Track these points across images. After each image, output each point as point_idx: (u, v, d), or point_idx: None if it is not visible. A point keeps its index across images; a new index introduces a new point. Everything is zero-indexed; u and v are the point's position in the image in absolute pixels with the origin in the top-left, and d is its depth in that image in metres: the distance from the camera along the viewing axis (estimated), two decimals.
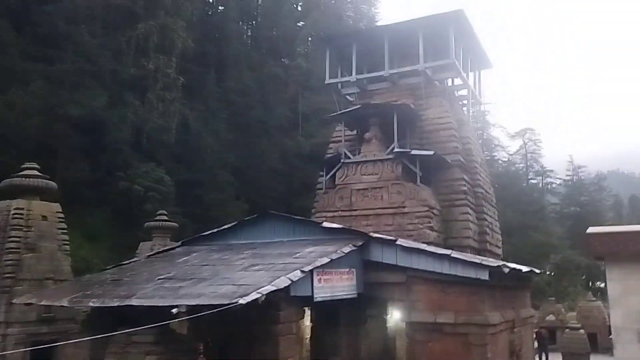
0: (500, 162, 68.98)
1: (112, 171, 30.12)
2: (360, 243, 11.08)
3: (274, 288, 8.06)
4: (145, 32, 33.86)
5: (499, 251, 18.86)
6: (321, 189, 18.61)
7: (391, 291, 11.16)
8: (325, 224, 11.78)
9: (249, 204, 36.53)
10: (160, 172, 31.07)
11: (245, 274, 9.18)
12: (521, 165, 71.50)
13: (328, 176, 18.43)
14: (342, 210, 17.38)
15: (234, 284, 8.42)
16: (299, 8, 58.24)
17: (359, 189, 17.36)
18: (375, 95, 19.76)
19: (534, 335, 24.90)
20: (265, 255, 10.57)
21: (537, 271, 15.13)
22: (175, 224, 21.60)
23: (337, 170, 17.97)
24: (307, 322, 11.89)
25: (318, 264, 9.45)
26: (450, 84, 21.14)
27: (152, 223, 20.99)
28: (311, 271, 9.40)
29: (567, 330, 19.65)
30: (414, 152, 16.88)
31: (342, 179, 17.74)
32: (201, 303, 7.74)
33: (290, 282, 8.53)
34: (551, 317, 25.10)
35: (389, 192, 16.85)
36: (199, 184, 35.69)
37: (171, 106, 34.69)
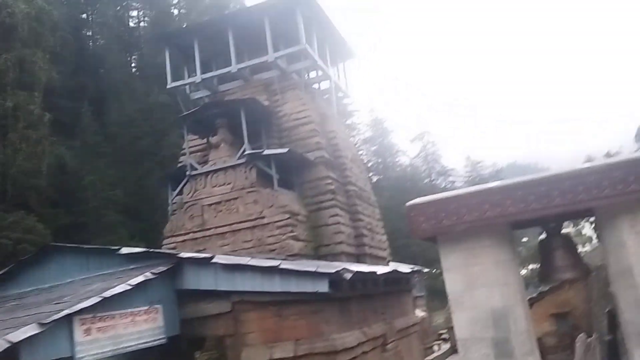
0: (403, 166, 69.38)
1: None
2: (166, 268, 8.29)
3: None
4: (0, 66, 29.55)
5: (384, 254, 16.74)
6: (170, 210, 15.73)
7: (215, 326, 8.44)
8: (124, 250, 8.93)
9: (146, 243, 32.73)
10: (31, 220, 26.66)
11: None
12: (424, 167, 72.40)
13: (175, 194, 15.58)
14: (193, 232, 14.62)
15: None
16: None
17: (210, 204, 14.66)
18: (227, 96, 17.24)
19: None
20: (21, 308, 7.50)
21: (406, 271, 13.02)
22: None
23: (185, 185, 15.17)
24: None
25: (77, 308, 6.54)
26: (314, 77, 19.12)
27: None
28: (70, 320, 6.48)
29: None
30: (266, 152, 14.43)
31: (190, 195, 14.96)
32: None
33: (8, 344, 5.56)
34: None
35: (245, 202, 14.28)
36: (84, 228, 31.46)
37: (39, 146, 30.51)
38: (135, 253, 8.92)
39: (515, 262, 4.80)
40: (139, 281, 7.66)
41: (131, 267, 8.80)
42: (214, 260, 8.43)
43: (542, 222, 4.82)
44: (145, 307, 7.78)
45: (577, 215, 5.56)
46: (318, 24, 17.55)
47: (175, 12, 53.39)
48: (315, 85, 18.99)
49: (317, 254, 14.18)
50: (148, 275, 7.92)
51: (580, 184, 4.25)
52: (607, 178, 4.14)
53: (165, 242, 14.95)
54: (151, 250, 9.21)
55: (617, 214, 4.25)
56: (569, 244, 4.76)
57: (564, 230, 5.01)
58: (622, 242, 4.18)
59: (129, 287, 7.44)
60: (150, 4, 50.67)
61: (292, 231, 13.58)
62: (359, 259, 15.02)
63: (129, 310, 7.48)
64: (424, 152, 72.73)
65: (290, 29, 16.46)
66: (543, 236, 4.97)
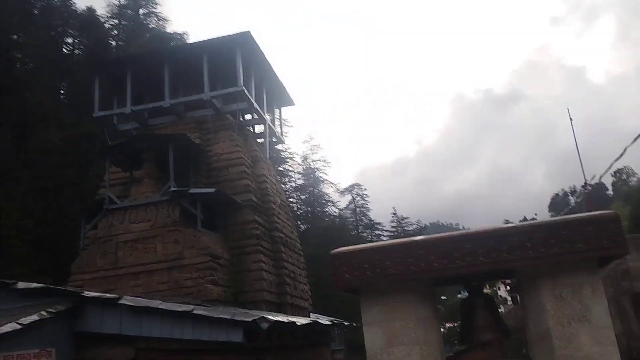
0: (332, 216, 69.83)
1: None
2: (64, 307, 7.54)
3: None
4: None
5: (306, 304, 16.37)
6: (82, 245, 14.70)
7: None
8: (20, 285, 8.08)
9: (55, 278, 30.34)
10: None
11: None
12: (352, 219, 73.29)
13: (89, 227, 14.60)
14: (105, 270, 13.66)
15: None
16: None
17: (126, 241, 13.82)
18: (158, 130, 16.67)
19: None
20: None
21: (326, 323, 12.74)
22: None
23: (100, 219, 14.27)
24: None
25: None
26: (249, 120, 19.01)
27: None
28: None
29: None
30: (192, 190, 13.92)
31: (105, 230, 14.06)
32: None
33: None
34: None
35: (164, 241, 13.58)
36: None
37: None
38: (33, 289, 8.06)
39: (436, 320, 4.68)
40: (32, 320, 6.86)
41: (27, 304, 7.92)
42: (120, 302, 7.76)
43: (465, 279, 4.76)
44: (36, 350, 6.96)
45: (499, 275, 5.58)
46: (257, 67, 17.57)
47: (113, 43, 52.25)
48: (250, 128, 18.85)
49: (237, 301, 13.62)
50: (43, 314, 7.12)
51: (504, 243, 4.23)
52: (530, 239, 4.15)
53: (72, 279, 13.88)
54: (51, 286, 8.38)
55: (538, 277, 4.25)
56: (490, 304, 4.70)
57: (485, 290, 4.98)
58: (542, 305, 4.16)
59: (19, 327, 6.63)
60: (88, 32, 49.37)
61: (212, 275, 12.99)
62: (279, 307, 14.56)
63: (17, 352, 6.65)
64: (353, 204, 73.93)
65: (228, 69, 16.34)
66: (465, 295, 4.90)
